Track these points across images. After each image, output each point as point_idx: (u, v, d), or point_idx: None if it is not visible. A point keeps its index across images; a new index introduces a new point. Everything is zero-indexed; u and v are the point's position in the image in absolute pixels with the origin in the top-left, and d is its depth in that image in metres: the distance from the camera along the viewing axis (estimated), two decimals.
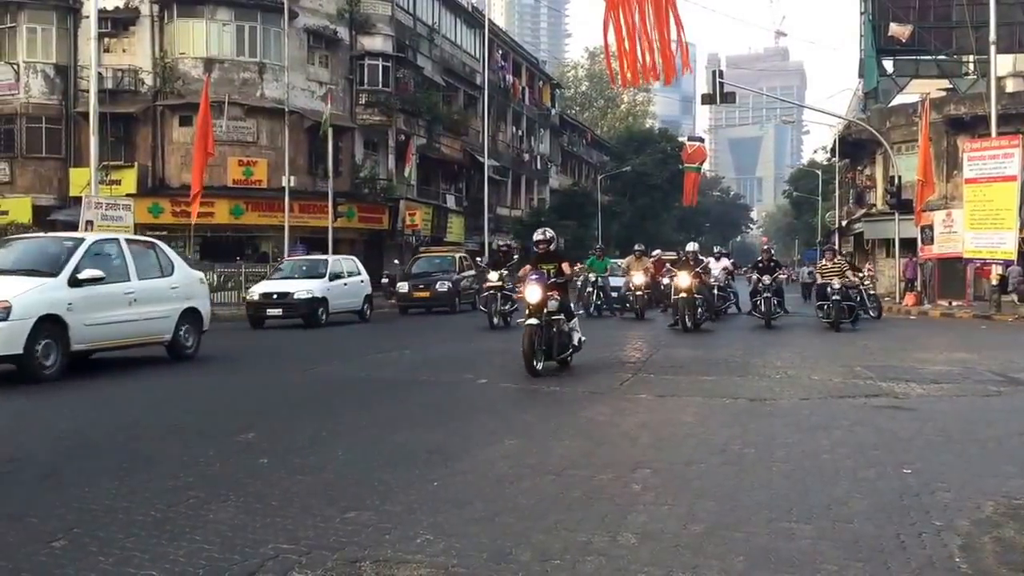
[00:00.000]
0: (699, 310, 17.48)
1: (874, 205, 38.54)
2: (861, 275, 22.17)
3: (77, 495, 4.93)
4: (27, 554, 3.93)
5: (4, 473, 5.53)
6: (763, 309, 18.53)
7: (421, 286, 25.80)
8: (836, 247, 23.19)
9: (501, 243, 23.06)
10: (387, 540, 4.11)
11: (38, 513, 4.57)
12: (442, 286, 25.43)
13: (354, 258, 24.92)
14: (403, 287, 25.96)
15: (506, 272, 18.92)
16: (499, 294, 18.46)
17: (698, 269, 18.13)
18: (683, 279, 17.16)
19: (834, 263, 19.01)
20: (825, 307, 18.32)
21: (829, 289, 18.09)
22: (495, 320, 18.16)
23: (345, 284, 21.89)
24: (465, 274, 26.98)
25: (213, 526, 4.34)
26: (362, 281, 22.88)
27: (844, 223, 49.17)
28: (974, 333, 18.08)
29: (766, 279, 18.57)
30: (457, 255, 28.66)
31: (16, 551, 3.98)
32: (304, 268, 22.09)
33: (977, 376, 10.42)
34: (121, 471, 5.52)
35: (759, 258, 20.20)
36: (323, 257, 23.49)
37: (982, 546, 4.05)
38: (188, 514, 4.55)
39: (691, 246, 19.60)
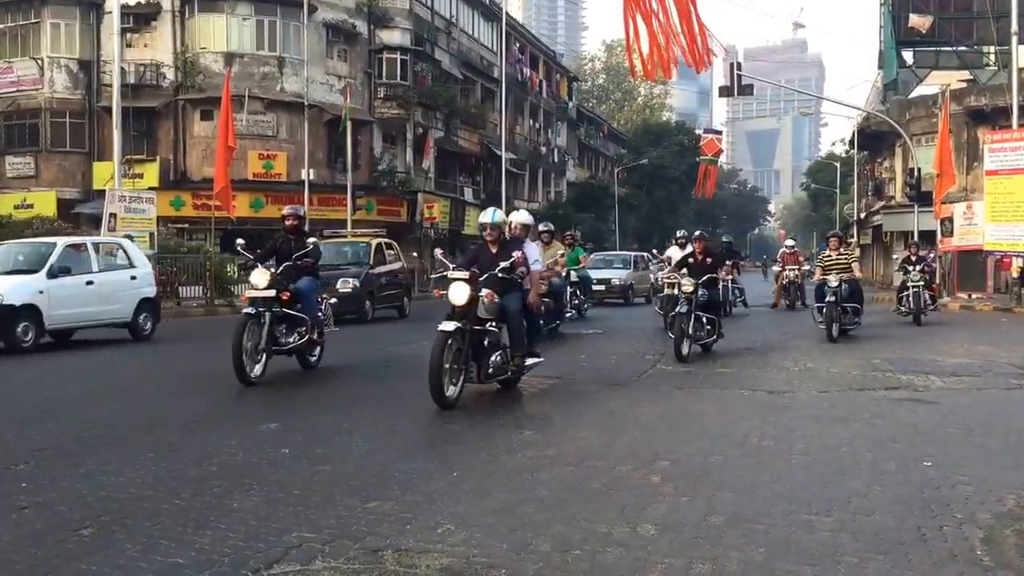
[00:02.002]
0: (496, 357, 7.96)
1: (893, 197, 38.34)
2: (912, 269, 17.97)
3: (104, 483, 5.00)
4: (56, 541, 4.01)
5: (33, 461, 5.62)
6: (677, 329, 11.03)
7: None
8: (843, 235, 18.95)
9: (287, 211, 10.41)
10: (408, 530, 4.15)
11: (66, 501, 4.65)
12: (344, 285, 18.06)
13: (122, 241, 16.30)
14: None
15: (278, 269, 9.51)
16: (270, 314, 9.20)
17: (503, 267, 8.00)
18: (456, 291, 7.63)
19: (839, 254, 15.32)
20: (823, 310, 14.33)
21: (826, 288, 14.26)
22: (252, 372, 8.89)
23: (90, 283, 13.76)
24: (384, 268, 20.64)
25: (237, 515, 4.40)
26: (133, 278, 14.85)
27: (863, 215, 48.94)
28: (994, 326, 17.93)
29: (687, 285, 11.28)
30: (375, 241, 21.42)
31: (45, 538, 4.05)
32: (21, 257, 13.92)
33: (998, 369, 10.36)
34: (147, 460, 5.61)
35: (688, 251, 13.34)
36: (51, 240, 14.85)
37: (1004, 539, 4.05)
38: (212, 503, 4.62)
39: (486, 216, 8.49)
